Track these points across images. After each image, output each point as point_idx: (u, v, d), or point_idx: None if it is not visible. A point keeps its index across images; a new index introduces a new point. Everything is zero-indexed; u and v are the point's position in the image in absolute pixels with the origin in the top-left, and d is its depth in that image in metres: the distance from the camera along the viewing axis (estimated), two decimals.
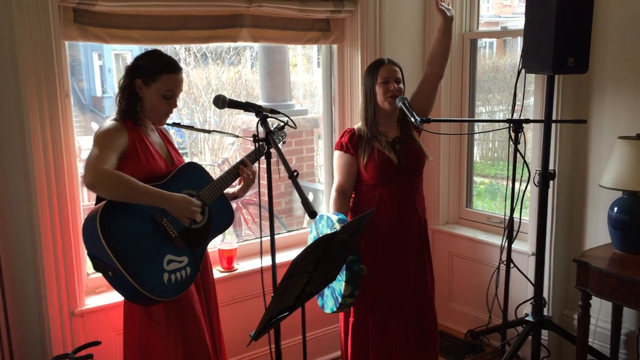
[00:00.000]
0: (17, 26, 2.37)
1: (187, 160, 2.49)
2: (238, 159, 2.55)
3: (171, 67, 2.27)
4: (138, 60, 2.28)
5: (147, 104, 2.28)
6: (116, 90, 2.32)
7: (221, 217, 2.41)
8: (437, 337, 3.01)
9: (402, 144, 2.82)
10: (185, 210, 2.20)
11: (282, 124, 2.59)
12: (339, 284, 2.52)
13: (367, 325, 2.85)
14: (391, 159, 2.77)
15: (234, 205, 4.20)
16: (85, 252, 2.77)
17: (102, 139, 2.18)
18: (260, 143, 2.17)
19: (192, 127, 2.55)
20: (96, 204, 2.22)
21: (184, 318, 2.32)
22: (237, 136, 2.39)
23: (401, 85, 2.79)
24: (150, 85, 2.25)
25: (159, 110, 2.31)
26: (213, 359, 2.39)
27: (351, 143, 2.79)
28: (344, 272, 2.46)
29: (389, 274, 2.82)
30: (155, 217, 2.18)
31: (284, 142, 2.70)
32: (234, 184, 2.52)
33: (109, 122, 2.25)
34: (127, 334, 2.35)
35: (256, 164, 2.45)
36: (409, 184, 2.83)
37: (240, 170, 2.44)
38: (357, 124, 2.89)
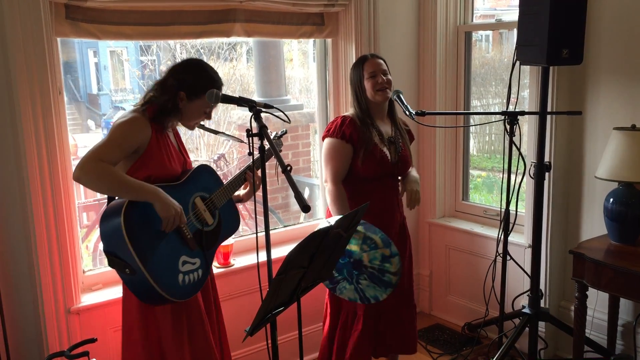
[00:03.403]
0: (8, 23, 2.35)
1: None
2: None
3: (216, 85, 2.25)
4: (184, 73, 2.24)
5: (186, 115, 2.27)
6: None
7: (229, 221, 2.42)
8: (416, 332, 3.01)
9: (395, 145, 2.81)
10: (172, 217, 2.11)
11: (280, 133, 2.62)
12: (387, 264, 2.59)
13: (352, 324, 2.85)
14: (389, 156, 2.76)
15: None
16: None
17: (116, 132, 2.13)
18: (254, 138, 2.14)
19: (203, 126, 2.53)
20: (109, 201, 2.21)
21: (191, 317, 2.31)
22: (242, 141, 2.36)
23: (389, 77, 2.77)
24: (193, 101, 2.24)
25: (196, 122, 2.32)
26: (217, 357, 2.39)
27: (355, 133, 2.69)
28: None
29: None
30: None
31: (280, 151, 2.68)
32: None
33: (131, 114, 2.20)
34: (127, 330, 2.32)
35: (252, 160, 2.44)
36: (394, 182, 2.83)
37: (247, 176, 2.45)
38: (349, 111, 2.83)
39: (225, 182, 2.43)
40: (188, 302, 2.29)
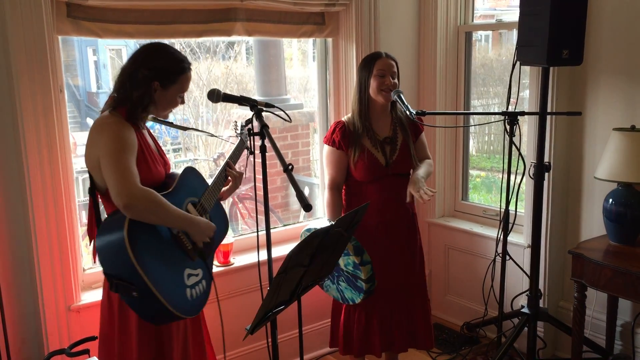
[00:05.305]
0: (9, 21, 2.36)
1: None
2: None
3: (187, 67, 2.15)
4: (155, 61, 2.08)
5: (161, 104, 2.14)
6: (111, 85, 2.25)
7: (219, 224, 2.30)
8: (430, 326, 2.98)
9: (392, 145, 2.81)
10: (205, 236, 2.13)
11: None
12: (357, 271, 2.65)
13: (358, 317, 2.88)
14: (378, 159, 2.77)
15: (230, 200, 4.19)
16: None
17: (119, 144, 1.97)
18: (243, 132, 2.12)
19: (171, 123, 2.47)
20: (94, 208, 2.10)
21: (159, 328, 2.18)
22: (214, 135, 2.27)
23: (396, 81, 2.77)
24: (168, 88, 2.10)
25: (171, 108, 2.20)
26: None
27: (343, 140, 2.77)
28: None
29: (375, 266, 2.82)
30: (172, 229, 2.07)
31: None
32: None
33: (110, 119, 2.03)
34: (104, 340, 2.22)
35: (250, 159, 2.41)
36: (397, 181, 2.82)
37: (227, 172, 2.37)
38: (347, 116, 2.87)
39: (209, 182, 2.33)
40: None
